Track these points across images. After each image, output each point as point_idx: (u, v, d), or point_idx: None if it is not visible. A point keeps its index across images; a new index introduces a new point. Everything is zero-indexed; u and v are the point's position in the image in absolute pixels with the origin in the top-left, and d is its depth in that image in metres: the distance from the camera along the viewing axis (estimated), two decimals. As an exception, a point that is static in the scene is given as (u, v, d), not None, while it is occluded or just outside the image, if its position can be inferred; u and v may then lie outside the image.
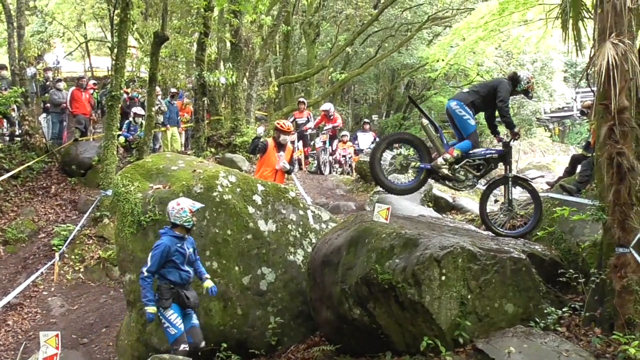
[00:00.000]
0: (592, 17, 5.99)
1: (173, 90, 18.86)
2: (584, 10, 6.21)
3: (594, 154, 6.37)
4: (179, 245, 6.47)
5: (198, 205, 6.73)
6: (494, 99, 7.43)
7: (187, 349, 6.26)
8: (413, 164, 7.63)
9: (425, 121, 7.76)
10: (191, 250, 6.63)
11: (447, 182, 7.62)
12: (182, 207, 6.51)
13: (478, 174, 7.54)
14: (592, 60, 5.62)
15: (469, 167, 7.49)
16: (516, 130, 7.41)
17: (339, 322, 6.65)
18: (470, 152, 7.51)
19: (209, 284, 6.74)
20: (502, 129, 7.89)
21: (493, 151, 7.59)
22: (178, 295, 6.42)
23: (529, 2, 11.14)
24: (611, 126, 5.42)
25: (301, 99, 19.80)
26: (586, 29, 6.24)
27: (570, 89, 32.00)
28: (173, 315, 6.35)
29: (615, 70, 5.22)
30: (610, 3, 5.42)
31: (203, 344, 6.52)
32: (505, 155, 7.48)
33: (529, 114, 28.85)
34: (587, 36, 6.20)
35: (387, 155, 7.81)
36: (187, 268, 6.53)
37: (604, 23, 5.45)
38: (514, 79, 7.59)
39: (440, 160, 7.45)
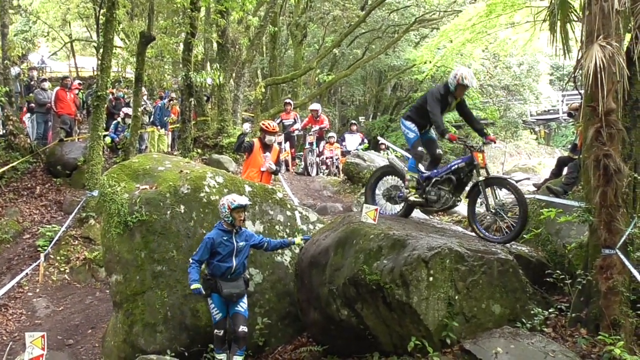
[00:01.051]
0: (579, 19, 6.04)
1: (172, 94, 18.82)
2: (571, 13, 6.25)
3: (581, 156, 6.40)
4: (225, 238, 6.80)
5: (239, 201, 6.84)
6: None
7: (220, 334, 6.81)
8: (396, 193, 7.68)
9: (389, 154, 7.74)
10: (242, 243, 6.90)
11: (424, 208, 7.61)
12: (223, 203, 6.87)
13: (449, 188, 7.20)
14: (580, 63, 5.67)
15: (440, 185, 7.24)
16: (446, 136, 7.11)
17: (326, 323, 6.65)
18: (436, 169, 7.43)
19: (298, 240, 7.43)
20: (492, 131, 7.87)
21: (459, 160, 7.32)
22: (215, 285, 6.73)
23: (516, 5, 11.16)
24: (598, 128, 5.46)
25: (288, 100, 19.74)
26: (574, 32, 6.29)
27: (556, 92, 32.16)
28: (212, 306, 6.86)
29: (602, 73, 5.26)
30: (598, 5, 5.46)
31: (241, 329, 6.74)
32: (473, 161, 7.09)
33: (515, 116, 29.01)
34: (575, 38, 6.26)
35: (382, 185, 7.93)
36: (233, 261, 6.81)
37: (592, 25, 5.50)
38: (446, 83, 7.37)
39: (404, 190, 7.46)
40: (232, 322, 6.85)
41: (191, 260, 6.79)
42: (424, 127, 7.52)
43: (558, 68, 32.46)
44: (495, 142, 7.57)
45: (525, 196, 7.10)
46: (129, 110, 16.41)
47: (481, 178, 6.97)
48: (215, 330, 6.84)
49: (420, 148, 7.40)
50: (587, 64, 5.36)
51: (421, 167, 7.51)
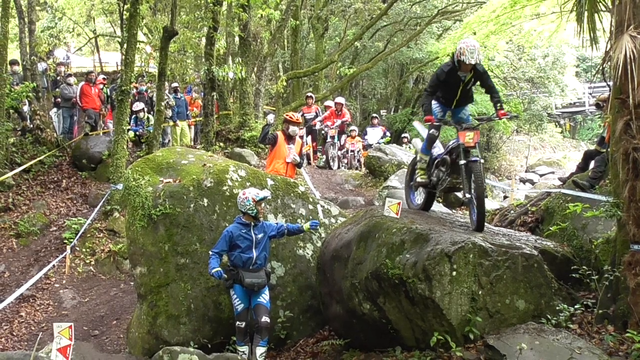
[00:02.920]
0: (608, 9, 5.88)
1: (174, 84, 18.85)
2: (599, 3, 6.08)
3: (609, 149, 6.25)
4: (244, 231, 6.95)
5: (262, 194, 7.03)
6: None
7: (241, 326, 6.88)
8: None
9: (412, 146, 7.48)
10: (260, 235, 7.01)
11: (433, 192, 7.40)
12: (246, 197, 6.96)
13: (444, 169, 6.98)
14: (609, 54, 5.52)
15: (439, 166, 7.06)
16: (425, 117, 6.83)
17: (348, 317, 6.62)
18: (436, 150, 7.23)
19: (306, 225, 7.34)
20: (515, 124, 7.59)
21: (454, 141, 6.92)
22: (237, 275, 6.84)
23: (542, -6, 10.94)
24: (627, 121, 5.32)
25: (309, 94, 19.73)
26: (602, 22, 6.11)
27: (582, 84, 31.63)
28: (234, 296, 6.95)
29: (633, 64, 5.12)
30: (629, -6, 5.31)
31: (264, 319, 6.82)
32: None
33: (540, 109, 28.45)
34: (603, 29, 6.08)
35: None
36: (253, 252, 6.91)
37: (622, 15, 5.34)
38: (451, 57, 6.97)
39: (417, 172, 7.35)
40: (254, 313, 6.90)
41: (211, 253, 6.93)
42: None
43: (584, 60, 31.91)
44: (500, 118, 6.95)
45: (549, 190, 6.95)
46: (136, 106, 16.52)
47: (462, 161, 6.55)
48: (237, 323, 6.89)
49: (432, 130, 7.09)
50: (617, 55, 5.22)
51: (435, 150, 7.26)
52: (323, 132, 18.31)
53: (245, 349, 6.90)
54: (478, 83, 7.04)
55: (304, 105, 19.09)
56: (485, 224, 6.87)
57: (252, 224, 7.00)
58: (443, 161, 7.00)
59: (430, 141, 7.17)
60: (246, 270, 6.86)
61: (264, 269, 7.03)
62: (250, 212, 6.94)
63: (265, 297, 6.95)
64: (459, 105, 7.13)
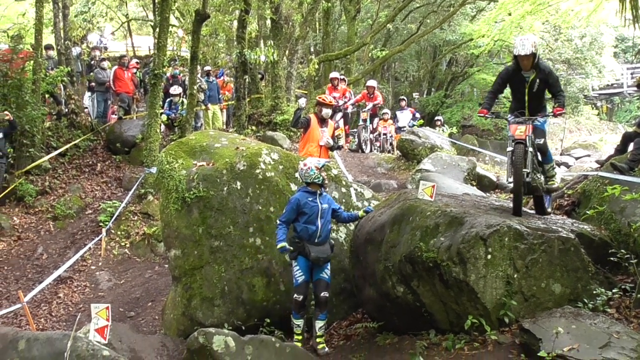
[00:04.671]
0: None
1: (207, 67, 18.93)
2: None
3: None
4: (310, 199, 6.94)
5: (323, 161, 7.18)
6: None
7: (299, 299, 6.88)
8: None
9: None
10: (326, 206, 7.01)
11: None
12: (309, 167, 6.99)
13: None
14: (651, 33, 5.41)
15: None
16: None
17: (382, 300, 6.64)
18: None
19: (361, 212, 7.33)
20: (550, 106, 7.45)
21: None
22: (303, 248, 6.82)
23: (581, -27, 10.71)
24: (668, 102, 5.21)
25: (342, 77, 19.64)
26: (644, 0, 5.98)
27: (621, 65, 30.90)
28: (296, 267, 6.92)
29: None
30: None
31: (323, 294, 6.90)
32: None
33: (576, 91, 27.94)
34: (645, 8, 5.95)
35: None
36: (318, 222, 6.89)
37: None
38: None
39: None
40: (314, 287, 6.97)
41: (278, 222, 6.96)
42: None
43: (624, 40, 31.15)
44: (555, 115, 6.90)
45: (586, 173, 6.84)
46: (174, 89, 16.57)
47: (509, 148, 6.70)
48: (295, 295, 6.92)
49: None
50: (659, 34, 5.12)
51: None
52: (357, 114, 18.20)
53: (301, 322, 6.98)
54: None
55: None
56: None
57: (319, 192, 7.02)
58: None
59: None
60: (312, 243, 6.85)
61: (329, 241, 7.06)
62: (316, 180, 6.95)
63: (327, 272, 6.99)
64: (531, 113, 6.92)
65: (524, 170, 6.52)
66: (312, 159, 7.21)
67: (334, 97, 14.80)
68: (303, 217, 6.87)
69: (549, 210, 7.43)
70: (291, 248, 6.84)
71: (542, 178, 7.07)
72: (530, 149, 6.62)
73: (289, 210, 6.92)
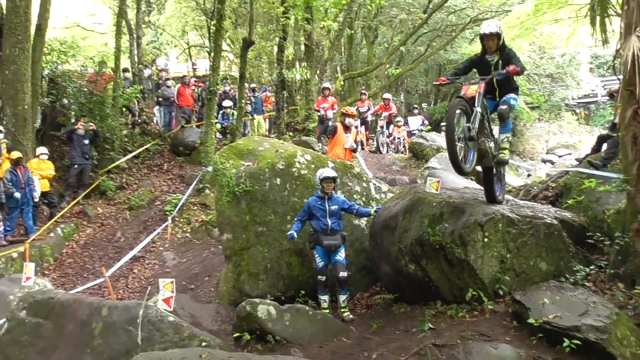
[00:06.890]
0: (618, 14, 5.66)
1: (253, 85, 19.01)
2: (610, 8, 5.86)
3: (619, 133, 5.99)
4: (319, 203, 7.09)
5: (326, 174, 7.13)
6: None
7: (322, 279, 7.03)
8: None
9: None
10: (334, 207, 7.10)
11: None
12: (317, 176, 7.19)
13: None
14: (619, 52, 5.31)
15: None
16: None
17: (396, 276, 6.61)
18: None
19: (373, 210, 7.40)
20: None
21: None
22: (318, 238, 7.00)
23: (560, 3, 10.54)
24: (635, 109, 5.14)
25: (363, 91, 19.56)
26: (612, 25, 5.88)
27: (595, 78, 30.34)
28: (316, 254, 7.10)
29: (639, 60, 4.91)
30: (635, 1, 5.10)
31: (342, 274, 6.96)
32: None
33: (558, 100, 27.63)
34: (613, 31, 5.85)
35: None
36: (327, 220, 7.02)
37: (630, 19, 5.15)
38: None
39: None
40: (334, 269, 7.04)
41: (296, 219, 7.21)
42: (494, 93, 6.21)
43: (597, 57, 30.59)
44: (510, 74, 5.85)
45: (568, 169, 6.66)
46: (226, 103, 16.69)
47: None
48: (319, 276, 7.05)
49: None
50: (626, 53, 5.01)
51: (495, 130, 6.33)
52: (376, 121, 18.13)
53: (325, 297, 7.06)
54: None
55: (358, 100, 18.95)
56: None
57: (326, 197, 7.10)
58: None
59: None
60: (324, 234, 6.99)
61: (340, 233, 7.10)
62: (317, 187, 7.17)
63: (341, 255, 7.05)
64: (502, 95, 6.18)
65: (467, 124, 5.51)
66: (323, 170, 7.25)
67: (323, 108, 14.78)
68: (314, 217, 7.07)
69: (500, 197, 6.37)
70: (295, 235, 7.02)
71: (493, 145, 6.06)
72: (479, 109, 5.61)
73: (302, 211, 7.18)
